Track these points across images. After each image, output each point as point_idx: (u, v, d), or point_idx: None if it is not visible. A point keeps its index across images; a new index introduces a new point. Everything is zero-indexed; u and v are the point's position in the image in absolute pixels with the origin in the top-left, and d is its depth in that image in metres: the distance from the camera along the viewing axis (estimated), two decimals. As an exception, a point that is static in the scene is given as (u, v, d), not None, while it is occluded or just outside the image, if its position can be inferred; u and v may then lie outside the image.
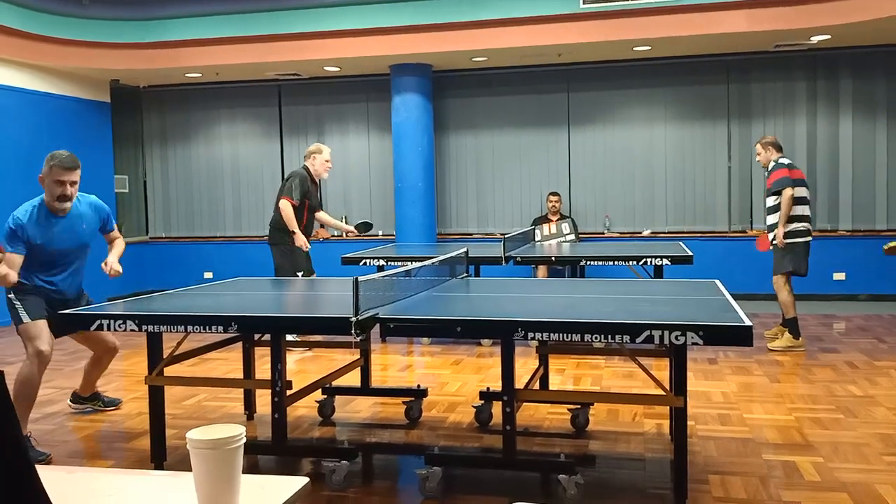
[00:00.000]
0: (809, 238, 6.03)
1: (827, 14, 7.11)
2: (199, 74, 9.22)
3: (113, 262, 4.10)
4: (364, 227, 6.67)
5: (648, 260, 5.49)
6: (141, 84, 9.92)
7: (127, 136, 10.16)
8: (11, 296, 3.92)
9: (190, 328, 3.14)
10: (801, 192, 5.99)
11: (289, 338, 4.35)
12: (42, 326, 3.89)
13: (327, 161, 6.34)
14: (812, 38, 7.77)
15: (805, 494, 3.10)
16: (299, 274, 6.15)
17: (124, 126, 10.04)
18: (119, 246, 4.30)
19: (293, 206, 6.11)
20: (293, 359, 5.94)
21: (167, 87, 9.97)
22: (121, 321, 3.21)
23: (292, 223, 6.11)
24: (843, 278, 8.48)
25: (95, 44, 8.37)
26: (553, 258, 6.00)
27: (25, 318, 3.89)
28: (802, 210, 6.00)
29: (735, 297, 3.32)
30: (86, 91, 9.16)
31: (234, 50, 8.34)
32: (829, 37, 7.68)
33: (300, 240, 6.15)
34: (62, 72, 8.69)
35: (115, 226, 4.37)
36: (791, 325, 5.94)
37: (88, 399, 4.65)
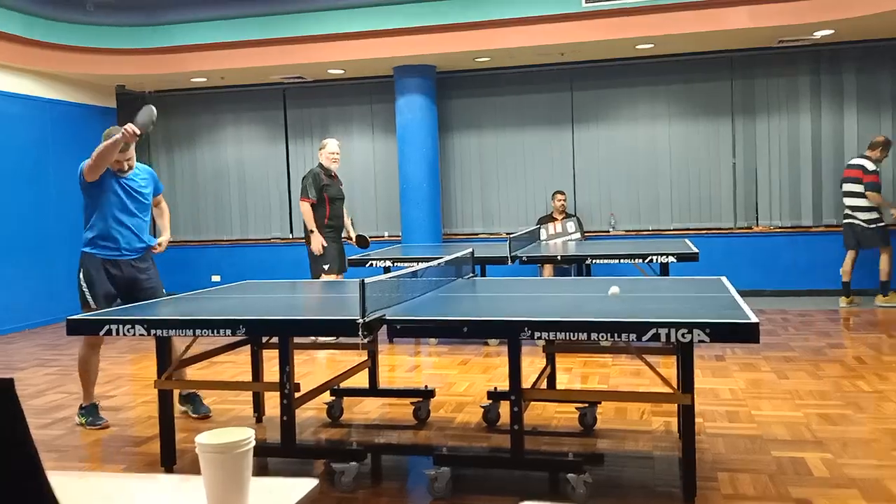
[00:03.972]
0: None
1: (830, 9, 7.09)
2: (204, 79, 9.25)
3: (165, 242, 4.66)
4: (361, 239, 6.76)
5: (654, 258, 5.48)
6: (146, 89, 9.95)
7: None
8: (81, 279, 4.37)
9: (198, 332, 3.16)
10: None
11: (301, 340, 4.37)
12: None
13: (332, 153, 6.65)
14: (816, 33, 7.75)
15: (814, 491, 3.10)
16: (325, 267, 6.34)
17: (130, 131, 10.07)
18: (166, 213, 4.87)
19: (311, 204, 6.43)
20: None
21: (173, 91, 10.01)
22: (129, 326, 3.22)
23: (310, 222, 6.43)
24: (851, 273, 8.44)
25: (101, 50, 8.41)
26: (559, 257, 6.00)
27: (92, 305, 4.32)
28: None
29: (741, 294, 3.32)
30: (92, 97, 9.20)
31: (238, 54, 8.36)
32: (832, 32, 7.65)
33: (315, 241, 6.40)
34: (68, 78, 8.74)
35: (161, 190, 4.81)
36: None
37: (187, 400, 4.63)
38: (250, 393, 4.56)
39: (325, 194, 6.50)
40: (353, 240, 6.74)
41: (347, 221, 6.80)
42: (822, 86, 8.56)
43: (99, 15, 8.26)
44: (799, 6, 7.14)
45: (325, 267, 6.42)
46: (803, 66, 8.56)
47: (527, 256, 5.84)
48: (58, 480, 1.16)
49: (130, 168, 4.44)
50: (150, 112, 4.21)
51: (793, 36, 7.87)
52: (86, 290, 4.34)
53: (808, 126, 8.61)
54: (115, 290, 4.40)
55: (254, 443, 1.34)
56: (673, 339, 2.65)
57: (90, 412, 4.46)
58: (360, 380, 4.37)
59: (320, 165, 6.60)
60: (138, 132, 4.12)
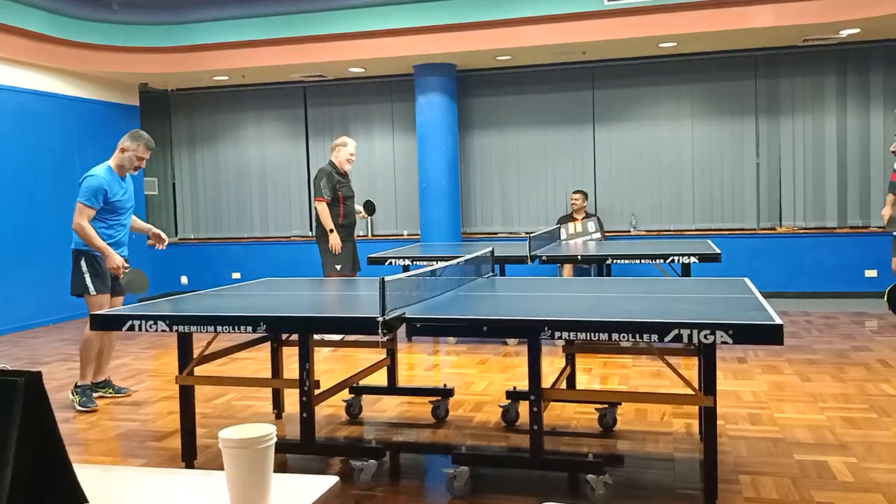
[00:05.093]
0: None
1: (856, 7, 7.00)
2: (226, 77, 9.32)
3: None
4: (369, 206, 6.95)
5: (676, 258, 5.44)
6: (169, 87, 10.04)
7: (156, 139, 10.21)
8: (84, 266, 4.69)
9: (219, 328, 3.18)
10: None
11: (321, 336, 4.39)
12: (104, 300, 4.74)
13: (351, 154, 6.66)
14: (841, 32, 7.65)
15: (838, 495, 3.06)
16: (338, 267, 6.38)
17: (153, 129, 10.16)
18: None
19: (327, 203, 6.45)
20: (323, 355, 5.98)
21: (195, 90, 10.09)
22: (152, 322, 3.25)
23: (328, 222, 6.46)
24: (875, 275, 8.33)
25: (124, 48, 8.49)
26: (579, 257, 5.97)
27: (92, 291, 4.70)
28: None
29: (764, 295, 3.28)
30: (115, 95, 9.29)
31: (259, 52, 8.41)
32: (858, 30, 7.55)
33: (334, 240, 6.43)
34: (92, 76, 8.83)
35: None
36: None
37: (101, 386, 5.00)
38: (270, 389, 4.58)
39: (340, 193, 6.54)
40: (362, 211, 6.85)
41: (358, 207, 6.87)
42: (848, 85, 8.44)
43: (123, 14, 8.34)
44: (824, 4, 7.05)
45: (338, 267, 6.45)
46: (829, 66, 8.45)
47: (547, 256, 5.82)
48: (81, 473, 1.17)
49: (124, 174, 4.88)
50: (142, 285, 4.74)
51: (818, 35, 7.77)
52: (87, 276, 4.70)
53: (833, 126, 8.50)
54: (109, 279, 4.82)
55: (275, 439, 1.34)
56: (695, 340, 2.63)
57: (84, 392, 4.72)
58: (380, 378, 4.38)
59: (331, 164, 6.60)
60: (121, 269, 4.66)
